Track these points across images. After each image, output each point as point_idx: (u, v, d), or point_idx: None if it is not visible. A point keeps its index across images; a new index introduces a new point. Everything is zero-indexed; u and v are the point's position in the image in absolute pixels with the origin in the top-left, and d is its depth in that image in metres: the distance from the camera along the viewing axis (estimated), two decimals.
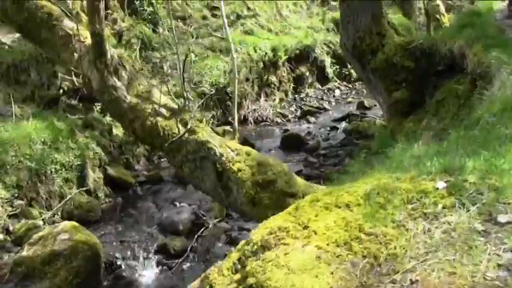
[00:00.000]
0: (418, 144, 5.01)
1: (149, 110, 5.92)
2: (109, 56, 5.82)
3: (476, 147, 4.02)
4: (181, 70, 5.71)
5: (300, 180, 5.74)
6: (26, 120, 8.86)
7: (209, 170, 5.80)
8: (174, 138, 5.79)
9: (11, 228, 7.79)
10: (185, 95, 5.90)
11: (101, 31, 5.57)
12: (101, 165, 9.47)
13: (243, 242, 3.20)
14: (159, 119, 5.90)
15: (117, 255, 7.34)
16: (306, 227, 3.01)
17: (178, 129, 5.82)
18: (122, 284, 6.84)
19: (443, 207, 2.86)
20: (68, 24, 6.14)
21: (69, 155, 8.84)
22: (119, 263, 7.19)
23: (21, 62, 9.76)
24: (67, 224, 6.97)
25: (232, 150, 5.79)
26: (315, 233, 2.91)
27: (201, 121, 5.96)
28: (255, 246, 3.02)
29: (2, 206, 7.88)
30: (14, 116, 9.00)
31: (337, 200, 3.20)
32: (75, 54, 6.05)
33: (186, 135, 5.79)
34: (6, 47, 9.90)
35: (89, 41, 5.92)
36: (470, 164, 3.24)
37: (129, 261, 7.26)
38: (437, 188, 3.03)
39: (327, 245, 2.78)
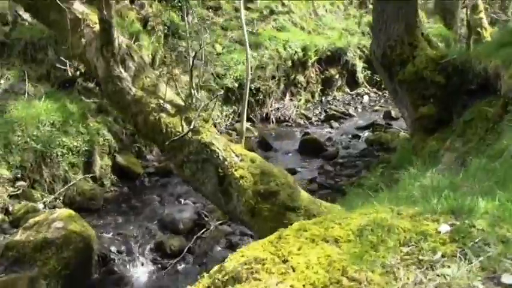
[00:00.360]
0: (432, 171, 4.66)
1: (153, 105, 5.64)
2: (116, 45, 5.54)
3: (493, 184, 3.66)
4: (191, 66, 5.40)
5: (304, 195, 5.41)
6: (38, 100, 8.68)
7: (211, 174, 5.51)
8: (177, 137, 5.50)
9: (10, 208, 7.65)
10: (192, 92, 5.58)
11: (109, 18, 5.29)
12: (110, 153, 9.25)
13: (216, 267, 2.89)
14: (163, 115, 5.61)
15: (112, 248, 7.09)
16: (285, 261, 2.67)
17: (182, 127, 5.53)
18: (113, 279, 6.60)
19: (443, 256, 2.49)
20: (78, 7, 5.89)
21: (77, 139, 8.64)
22: (112, 256, 6.94)
23: (39, 40, 9.59)
24: (63, 211, 6.78)
25: (236, 155, 5.48)
26: (293, 270, 2.58)
27: (207, 121, 5.65)
28: (226, 276, 2.70)
29: (3, 186, 7.72)
30: (26, 95, 8.83)
31: (326, 232, 2.87)
32: (82, 39, 5.79)
33: (190, 134, 5.49)
34: (27, 23, 9.74)
35: (98, 26, 5.65)
36: (482, 206, 2.88)
37: (124, 256, 7.01)
38: (440, 232, 2.68)
39: (303, 286, 2.45)
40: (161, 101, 5.66)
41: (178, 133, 5.55)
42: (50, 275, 5.99)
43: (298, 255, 2.69)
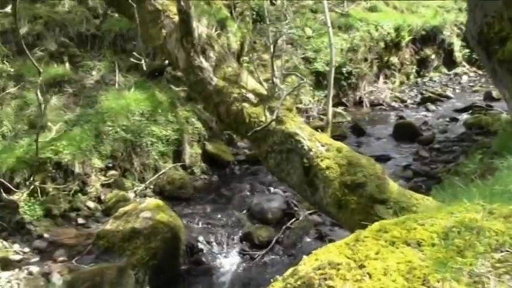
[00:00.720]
0: None
1: (235, 95, 5.52)
2: (196, 35, 5.45)
3: None
4: (272, 54, 5.23)
5: (393, 186, 5.12)
6: (127, 90, 8.82)
7: (296, 164, 5.32)
8: (260, 127, 5.36)
9: (102, 197, 7.84)
10: (274, 81, 5.42)
11: (187, 8, 5.21)
12: (200, 141, 9.26)
13: (290, 270, 2.72)
14: (246, 104, 5.48)
15: (200, 238, 7.08)
16: (361, 266, 2.47)
17: (266, 117, 5.38)
18: (200, 270, 6.57)
19: None
20: None
21: (167, 128, 8.72)
22: (200, 246, 6.93)
23: (128, 31, 9.73)
24: (151, 201, 6.85)
25: (322, 145, 5.27)
26: (370, 277, 2.37)
27: (290, 110, 5.47)
28: (299, 281, 2.53)
29: (96, 175, 7.91)
30: (116, 85, 9.00)
31: (408, 234, 2.63)
32: (163, 30, 5.76)
33: (273, 124, 5.34)
34: (116, 15, 9.90)
35: (177, 17, 5.60)
36: None
37: (212, 246, 6.98)
38: None
39: None
40: (243, 91, 5.54)
41: (261, 123, 5.40)
42: (138, 265, 6.05)
43: (376, 260, 2.48)
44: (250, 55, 10.79)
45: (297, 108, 11.08)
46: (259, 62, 11.00)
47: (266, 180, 8.67)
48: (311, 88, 11.89)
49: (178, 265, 6.51)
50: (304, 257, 2.75)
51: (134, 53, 6.46)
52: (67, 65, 9.28)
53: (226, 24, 10.52)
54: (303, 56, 12.01)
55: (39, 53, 9.19)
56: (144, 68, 6.14)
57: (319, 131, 5.85)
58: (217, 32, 10.02)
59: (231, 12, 11.12)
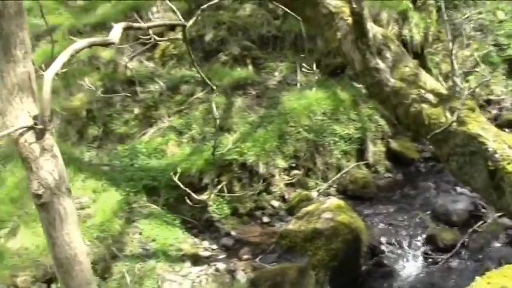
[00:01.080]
0: None
1: (414, 96, 5.30)
2: (371, 36, 5.32)
3: None
4: (451, 50, 4.94)
5: None
6: (308, 90, 8.89)
7: (480, 167, 5.02)
8: (440, 129, 5.12)
9: (286, 196, 8.02)
10: (453, 79, 5.13)
11: (360, 10, 5.10)
12: (383, 138, 9.05)
13: None
14: (424, 105, 5.25)
15: (382, 239, 6.95)
16: None
17: (446, 118, 5.13)
18: (381, 272, 6.46)
19: None
20: (331, 2, 5.80)
21: (349, 126, 8.66)
22: (382, 248, 6.81)
23: (308, 31, 9.74)
24: (333, 202, 6.89)
25: (509, 147, 4.91)
26: None
27: (473, 110, 5.15)
28: None
29: (279, 175, 8.11)
30: (298, 85, 9.11)
31: None
32: (337, 33, 5.71)
33: (454, 125, 5.06)
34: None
35: (351, 19, 5.51)
36: None
37: (394, 248, 6.83)
38: None
39: None
40: (422, 91, 5.31)
41: (441, 124, 5.15)
42: (318, 266, 6.14)
43: None
44: (436, 46, 10.35)
45: (488, 100, 10.46)
46: (445, 53, 10.51)
47: (452, 179, 8.16)
48: (504, 77, 11.09)
49: (359, 267, 6.47)
50: (477, 278, 2.61)
51: (304, 64, 6.49)
52: (250, 67, 9.58)
53: (407, 15, 10.13)
54: (494, 43, 11.24)
55: (223, 57, 9.61)
56: (316, 78, 6.15)
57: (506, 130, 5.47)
58: (398, 24, 9.74)
59: (413, 2, 10.69)
